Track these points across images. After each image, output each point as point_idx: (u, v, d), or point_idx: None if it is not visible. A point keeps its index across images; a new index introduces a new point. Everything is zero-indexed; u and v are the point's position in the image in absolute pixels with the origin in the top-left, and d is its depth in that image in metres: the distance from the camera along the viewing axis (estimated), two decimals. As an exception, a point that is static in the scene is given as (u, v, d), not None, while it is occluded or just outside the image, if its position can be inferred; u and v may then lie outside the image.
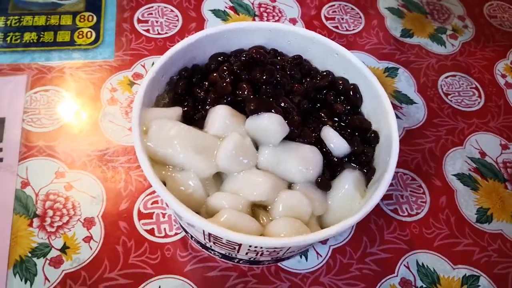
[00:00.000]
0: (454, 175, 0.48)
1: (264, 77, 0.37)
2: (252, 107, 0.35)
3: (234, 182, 0.34)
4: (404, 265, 0.42)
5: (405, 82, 0.54)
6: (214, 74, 0.38)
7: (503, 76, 0.57)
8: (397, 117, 0.51)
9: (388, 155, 0.35)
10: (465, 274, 0.43)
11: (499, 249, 0.44)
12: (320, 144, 0.37)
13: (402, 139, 0.50)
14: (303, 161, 0.35)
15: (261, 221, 0.34)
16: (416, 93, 0.54)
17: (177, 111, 0.37)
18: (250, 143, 0.35)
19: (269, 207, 0.34)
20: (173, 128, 0.34)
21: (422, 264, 0.43)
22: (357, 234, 0.44)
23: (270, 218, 0.34)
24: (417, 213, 0.45)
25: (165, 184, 0.33)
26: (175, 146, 0.33)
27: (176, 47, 0.38)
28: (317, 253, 0.42)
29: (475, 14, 0.62)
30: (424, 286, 0.42)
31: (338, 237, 0.43)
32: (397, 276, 0.42)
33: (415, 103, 0.53)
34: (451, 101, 0.53)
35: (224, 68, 0.38)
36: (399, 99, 0.53)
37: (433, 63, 0.56)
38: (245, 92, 0.36)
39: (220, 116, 0.35)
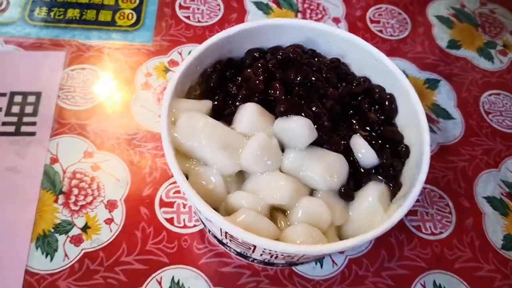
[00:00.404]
0: (484, 197, 0.47)
1: (298, 79, 0.36)
2: (282, 109, 0.34)
3: (256, 182, 0.34)
4: (421, 284, 0.41)
5: (445, 95, 0.52)
6: (248, 70, 0.38)
7: (551, 99, 0.54)
8: (433, 131, 0.50)
9: (417, 171, 0.34)
10: (484, 301, 0.41)
11: (523, 279, 0.43)
12: (348, 152, 0.36)
13: (434, 154, 0.48)
14: (328, 168, 0.34)
15: (279, 225, 0.33)
16: (455, 108, 0.52)
17: (207, 104, 0.37)
18: (276, 145, 0.34)
19: (288, 211, 0.34)
20: (201, 121, 0.34)
21: (440, 284, 0.42)
22: (376, 247, 0.43)
23: (288, 223, 0.33)
24: (441, 233, 0.44)
25: (187, 177, 0.33)
26: (201, 140, 0.33)
27: (213, 39, 0.38)
28: (333, 261, 0.42)
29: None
30: (439, 307, 0.41)
31: (356, 248, 0.42)
32: (412, 294, 0.41)
33: (453, 118, 0.51)
34: (491, 120, 0.51)
35: (259, 65, 0.37)
36: (437, 113, 0.51)
37: (478, 78, 0.54)
38: (277, 92, 0.35)
39: (249, 113, 0.35)
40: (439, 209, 0.45)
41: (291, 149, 0.35)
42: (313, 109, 0.35)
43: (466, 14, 0.60)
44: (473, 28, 0.59)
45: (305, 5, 0.58)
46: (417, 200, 0.45)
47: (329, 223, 0.33)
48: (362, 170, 0.36)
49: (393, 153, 0.37)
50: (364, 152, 0.36)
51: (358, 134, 0.37)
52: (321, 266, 0.41)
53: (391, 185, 0.36)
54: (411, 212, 0.45)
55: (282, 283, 0.40)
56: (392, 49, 0.55)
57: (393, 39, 0.56)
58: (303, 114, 0.34)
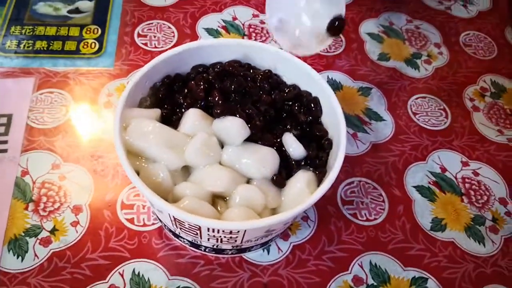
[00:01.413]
0: (413, 186, 0.52)
1: (233, 87, 0.42)
2: (218, 111, 0.40)
3: (199, 174, 0.39)
4: (358, 264, 0.47)
5: (376, 101, 0.59)
6: (192, 82, 0.43)
7: (471, 99, 0.61)
8: (365, 131, 0.56)
9: (335, 159, 0.39)
10: (415, 276, 0.46)
11: (449, 255, 0.48)
12: (280, 147, 0.42)
13: (367, 151, 0.54)
14: (261, 160, 0.39)
15: (219, 209, 0.38)
16: (386, 111, 0.58)
17: (156, 112, 0.42)
18: (215, 142, 0.40)
19: (227, 198, 0.39)
20: (149, 125, 0.39)
21: (375, 264, 0.47)
22: (317, 234, 0.48)
23: (227, 208, 0.39)
24: (375, 219, 0.50)
25: (139, 174, 0.38)
26: (149, 140, 0.38)
27: (160, 57, 0.44)
28: (278, 248, 0.47)
29: (451, 42, 0.67)
30: (375, 284, 0.46)
31: (299, 235, 0.48)
32: (350, 273, 0.46)
33: (384, 120, 0.57)
34: (418, 119, 0.58)
35: (200, 77, 0.43)
36: (369, 116, 0.57)
37: (406, 85, 0.61)
38: (216, 98, 0.41)
39: (190, 117, 0.40)
40: (373, 198, 0.51)
41: (228, 145, 0.40)
42: (247, 111, 0.41)
43: (394, 30, 0.67)
44: (401, 42, 0.66)
45: (251, 30, 0.65)
46: (353, 192, 0.51)
47: (263, 206, 0.39)
48: (293, 162, 0.42)
49: (319, 146, 0.43)
50: (294, 146, 0.41)
51: (289, 132, 0.43)
52: (268, 252, 0.46)
53: (317, 172, 0.41)
54: (348, 202, 0.50)
55: (233, 269, 0.45)
56: (328, 63, 0.62)
57: (329, 55, 0.63)
58: (237, 115, 0.40)
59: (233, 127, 0.39)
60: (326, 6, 0.49)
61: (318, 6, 0.50)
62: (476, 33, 0.69)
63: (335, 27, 0.49)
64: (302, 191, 0.40)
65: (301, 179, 0.40)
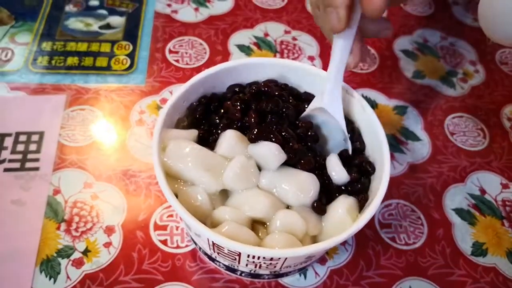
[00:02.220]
0: (453, 209, 0.51)
1: (269, 107, 0.41)
2: (252, 136, 0.39)
3: (237, 198, 0.38)
4: (398, 290, 0.45)
5: (412, 120, 0.57)
6: (228, 102, 0.43)
7: (509, 119, 0.59)
8: (402, 151, 0.54)
9: (379, 183, 0.38)
10: (456, 304, 0.45)
11: (491, 281, 0.46)
12: (322, 170, 0.40)
13: (405, 173, 0.53)
14: (299, 186, 0.38)
15: (259, 235, 0.37)
16: (422, 130, 0.57)
17: (194, 133, 0.41)
18: (254, 165, 0.39)
19: (267, 223, 0.38)
20: (187, 147, 0.38)
21: (415, 290, 0.45)
22: (355, 258, 0.47)
23: (267, 233, 0.38)
24: (414, 243, 0.48)
25: (177, 197, 0.37)
26: (187, 163, 0.38)
27: (197, 77, 0.43)
28: (316, 272, 0.45)
29: (486, 60, 0.66)
30: (416, 311, 0.44)
31: (336, 260, 0.46)
32: (389, 300, 0.44)
33: (420, 140, 0.56)
34: (456, 140, 0.56)
35: (237, 97, 0.42)
36: (406, 135, 0.56)
37: (442, 103, 0.60)
38: (251, 120, 0.40)
39: (228, 139, 0.39)
40: (412, 221, 0.49)
41: (266, 169, 0.39)
42: (283, 134, 0.40)
43: (429, 48, 0.66)
44: (436, 59, 0.65)
45: (283, 46, 0.64)
46: (391, 214, 0.49)
47: (304, 233, 0.37)
48: (335, 187, 0.40)
49: (360, 170, 0.41)
50: (337, 170, 0.40)
51: (334, 154, 0.41)
52: (305, 277, 0.45)
53: (358, 198, 0.40)
54: (386, 225, 0.49)
55: (268, 294, 0.44)
56: (362, 81, 0.60)
57: (363, 72, 0.62)
58: (273, 139, 0.39)
59: (269, 152, 0.38)
60: None
61: None
62: (512, 50, 0.67)
63: None
64: (343, 218, 0.38)
65: (342, 205, 0.39)
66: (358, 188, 0.40)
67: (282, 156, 0.38)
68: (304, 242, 0.38)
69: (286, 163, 0.39)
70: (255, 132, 0.39)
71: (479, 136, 0.57)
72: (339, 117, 0.42)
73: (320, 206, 0.39)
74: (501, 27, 0.40)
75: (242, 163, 0.38)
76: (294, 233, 0.37)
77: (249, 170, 0.38)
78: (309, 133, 0.42)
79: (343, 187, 0.41)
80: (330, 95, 0.42)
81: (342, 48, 0.40)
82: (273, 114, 0.42)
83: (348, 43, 0.40)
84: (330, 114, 0.42)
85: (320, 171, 0.41)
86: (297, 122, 0.42)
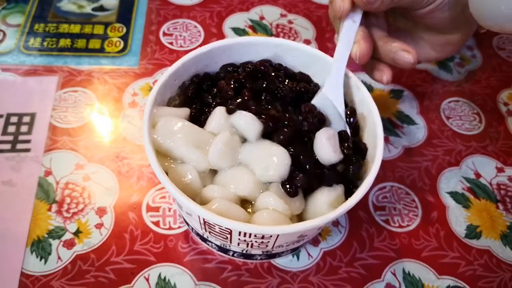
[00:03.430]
0: (447, 192, 0.50)
1: (264, 85, 0.41)
2: (230, 107, 0.39)
3: (224, 176, 0.38)
4: (391, 272, 0.45)
5: (408, 104, 0.57)
6: (222, 81, 0.42)
7: (506, 104, 0.59)
8: (397, 135, 0.54)
9: (373, 162, 0.38)
10: (449, 285, 0.44)
11: (485, 264, 0.46)
12: (311, 148, 0.39)
13: (400, 156, 0.52)
14: (267, 162, 0.37)
15: (249, 211, 0.37)
16: (418, 114, 0.56)
17: (185, 111, 0.41)
18: (238, 141, 0.38)
19: (253, 202, 0.37)
20: (178, 124, 0.38)
21: (408, 272, 0.45)
22: (348, 240, 0.46)
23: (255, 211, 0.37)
24: (408, 225, 0.48)
25: (167, 175, 0.37)
26: (177, 140, 0.37)
27: (189, 55, 0.42)
28: (309, 254, 0.45)
29: (483, 45, 0.65)
30: (409, 293, 0.44)
31: (329, 241, 0.46)
32: (383, 281, 0.44)
33: (416, 123, 0.55)
34: (451, 124, 0.56)
35: (230, 76, 0.42)
36: (401, 119, 0.56)
37: (438, 88, 0.59)
38: (245, 98, 0.40)
39: (217, 115, 0.39)
40: (406, 204, 0.49)
41: (247, 143, 0.38)
42: (266, 105, 0.39)
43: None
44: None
45: (279, 29, 0.63)
46: (385, 197, 0.49)
47: (286, 207, 0.36)
48: (323, 167, 0.39)
49: (354, 151, 0.41)
50: (325, 147, 0.38)
51: (327, 128, 0.40)
52: (298, 258, 0.45)
53: (350, 186, 0.39)
54: (380, 208, 0.48)
55: (261, 275, 0.44)
56: (358, 65, 0.60)
57: (359, 55, 0.61)
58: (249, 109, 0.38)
59: (243, 120, 0.37)
60: None
61: None
62: (510, 36, 0.67)
63: None
64: (326, 210, 0.37)
65: (326, 198, 0.38)
66: (350, 173, 0.39)
67: (256, 124, 0.37)
68: (293, 221, 0.37)
69: (268, 136, 0.38)
70: (234, 103, 0.39)
71: (475, 120, 0.57)
72: (339, 104, 0.41)
73: (291, 186, 0.36)
74: (488, 12, 0.39)
75: (226, 140, 0.37)
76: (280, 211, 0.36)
77: (234, 146, 0.38)
78: (314, 116, 0.40)
79: (334, 170, 0.39)
80: (333, 83, 0.42)
81: (346, 36, 0.42)
82: (268, 93, 0.41)
83: (352, 31, 0.41)
84: (330, 100, 0.41)
85: (306, 148, 0.39)
86: (301, 107, 0.41)
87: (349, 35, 0.43)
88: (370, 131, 0.41)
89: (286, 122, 0.39)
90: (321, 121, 0.41)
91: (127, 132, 0.52)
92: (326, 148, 0.38)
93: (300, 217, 0.38)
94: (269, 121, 0.38)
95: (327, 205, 0.37)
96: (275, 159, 0.37)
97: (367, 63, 0.45)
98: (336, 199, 0.38)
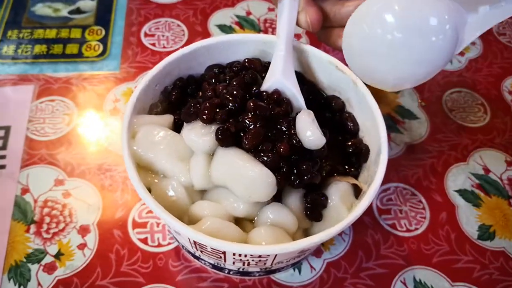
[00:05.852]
0: (455, 190, 0.47)
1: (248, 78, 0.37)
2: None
3: (215, 193, 0.34)
4: (401, 281, 0.41)
5: (408, 97, 0.54)
6: (205, 83, 0.38)
7: (510, 92, 0.55)
8: (399, 131, 0.51)
9: (376, 167, 0.34)
10: (465, 292, 0.41)
11: (501, 267, 0.43)
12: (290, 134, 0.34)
13: (402, 154, 0.49)
14: (241, 182, 0.32)
15: (246, 230, 0.33)
16: (419, 108, 0.53)
17: (168, 119, 0.37)
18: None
19: (254, 219, 0.34)
20: (159, 133, 0.34)
21: (420, 280, 0.42)
22: (353, 248, 0.43)
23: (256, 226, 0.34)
24: (416, 229, 0.44)
25: (150, 191, 0.33)
26: (159, 151, 0.33)
27: (170, 57, 0.39)
28: (311, 266, 0.42)
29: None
30: (421, 303, 0.41)
31: (333, 251, 0.43)
32: (392, 292, 0.41)
33: (418, 118, 0.52)
34: (455, 116, 0.53)
35: (213, 75, 0.38)
36: (402, 114, 0.52)
37: (439, 79, 0.56)
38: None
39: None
40: (412, 206, 0.46)
41: (213, 157, 0.34)
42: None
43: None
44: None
45: (267, 25, 0.60)
46: (390, 199, 0.46)
47: (296, 227, 0.33)
48: (309, 157, 0.34)
49: (355, 152, 0.37)
50: (311, 130, 0.33)
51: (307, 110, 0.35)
52: (299, 272, 0.41)
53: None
54: (385, 211, 0.45)
55: (260, 292, 0.40)
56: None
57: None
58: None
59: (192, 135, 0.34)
60: None
61: None
62: (510, 20, 0.63)
63: None
64: (337, 207, 0.34)
65: (336, 192, 0.35)
66: (352, 173, 0.36)
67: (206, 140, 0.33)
68: (296, 236, 0.34)
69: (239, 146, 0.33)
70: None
71: (479, 111, 0.53)
72: (293, 84, 0.37)
73: (314, 213, 0.34)
74: (360, 66, 0.37)
75: (203, 161, 0.33)
76: (285, 228, 0.33)
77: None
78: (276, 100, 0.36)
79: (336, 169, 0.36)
80: (283, 63, 0.37)
81: (287, 6, 0.38)
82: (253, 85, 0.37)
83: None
84: (285, 84, 0.36)
85: (284, 131, 0.34)
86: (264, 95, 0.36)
87: (291, 4, 0.38)
88: (372, 132, 0.37)
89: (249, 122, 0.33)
90: (284, 101, 0.36)
91: (109, 141, 0.48)
92: (315, 132, 0.33)
93: (306, 232, 0.35)
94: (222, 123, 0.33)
95: (339, 199, 0.34)
96: (257, 184, 0.32)
97: (320, 32, 0.40)
98: (345, 191, 0.35)
